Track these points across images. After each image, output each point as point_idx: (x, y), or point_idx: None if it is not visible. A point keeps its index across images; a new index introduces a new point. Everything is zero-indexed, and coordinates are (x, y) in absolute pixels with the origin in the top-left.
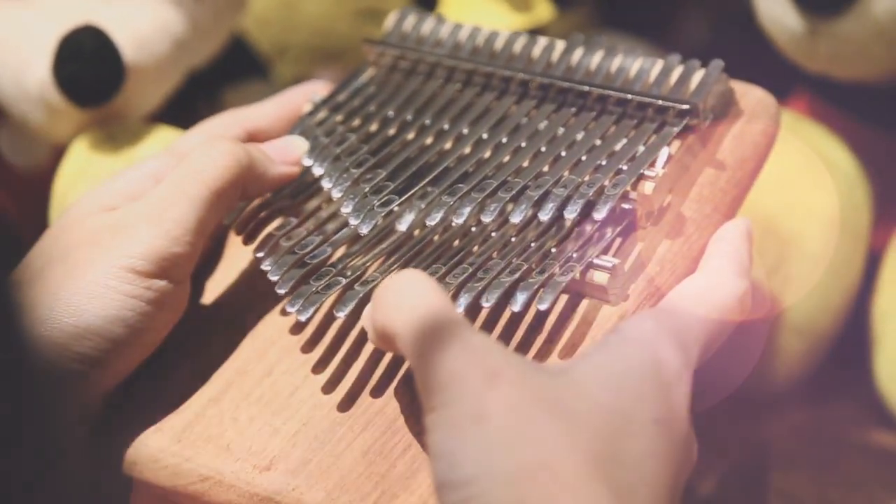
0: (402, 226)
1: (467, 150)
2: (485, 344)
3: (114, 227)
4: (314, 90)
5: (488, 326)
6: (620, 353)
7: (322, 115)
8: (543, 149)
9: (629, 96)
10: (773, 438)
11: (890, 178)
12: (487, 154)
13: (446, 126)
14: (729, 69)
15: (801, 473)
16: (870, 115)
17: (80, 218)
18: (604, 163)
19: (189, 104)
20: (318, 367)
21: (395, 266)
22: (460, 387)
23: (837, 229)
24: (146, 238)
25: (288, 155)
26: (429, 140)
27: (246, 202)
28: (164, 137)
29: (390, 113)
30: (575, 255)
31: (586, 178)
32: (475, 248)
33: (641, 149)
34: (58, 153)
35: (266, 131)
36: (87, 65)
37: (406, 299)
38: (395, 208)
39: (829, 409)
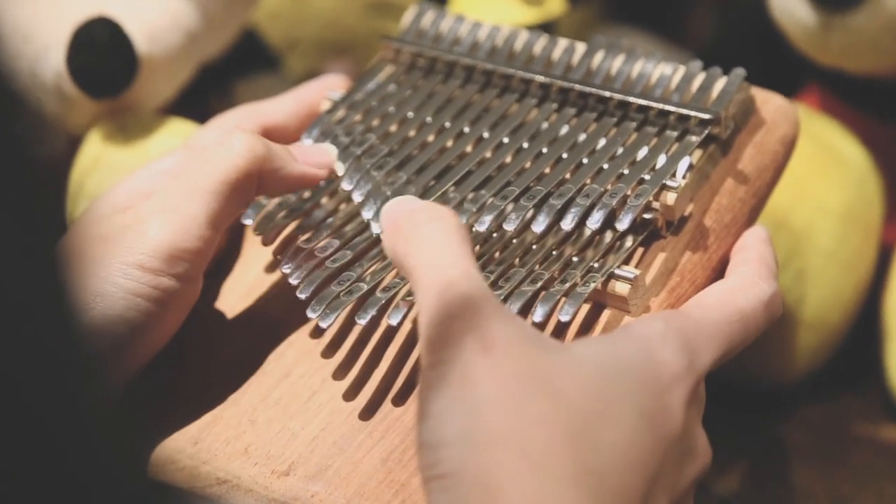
0: None
1: (488, 154)
2: (490, 311)
3: (125, 225)
4: (331, 85)
5: None
6: (621, 347)
7: (341, 113)
8: (565, 155)
9: (651, 104)
10: (784, 432)
11: None
12: (508, 159)
13: (466, 129)
14: (740, 62)
15: (812, 467)
16: (882, 110)
17: (97, 217)
18: (626, 171)
19: (201, 97)
20: (338, 372)
21: None
22: (456, 350)
23: (849, 223)
24: (155, 233)
25: (313, 157)
26: (449, 143)
27: (265, 201)
28: (176, 130)
29: (410, 113)
30: (596, 265)
31: (609, 188)
32: (496, 254)
33: (663, 158)
34: (73, 144)
35: (282, 126)
36: (100, 56)
37: (431, 243)
38: None
39: (839, 404)
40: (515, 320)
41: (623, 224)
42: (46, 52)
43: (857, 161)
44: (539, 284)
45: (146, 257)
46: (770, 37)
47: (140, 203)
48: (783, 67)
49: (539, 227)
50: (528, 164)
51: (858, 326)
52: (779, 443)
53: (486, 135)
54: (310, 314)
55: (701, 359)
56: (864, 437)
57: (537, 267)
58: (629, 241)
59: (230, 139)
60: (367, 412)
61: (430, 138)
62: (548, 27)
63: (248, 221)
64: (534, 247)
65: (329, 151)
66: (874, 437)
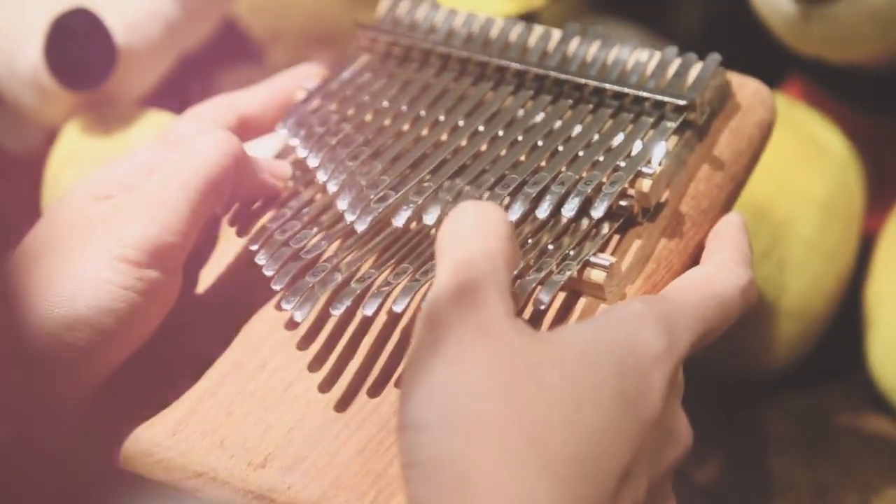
0: (399, 221)
1: (463, 142)
2: (495, 300)
3: (107, 216)
4: (306, 74)
5: None
6: (603, 331)
7: (316, 103)
8: (540, 143)
9: (627, 90)
10: (767, 422)
11: (883, 163)
12: (484, 147)
13: (442, 117)
14: (723, 53)
15: (795, 458)
16: (863, 100)
17: (74, 206)
18: (601, 159)
19: (181, 88)
20: (313, 364)
21: (391, 262)
22: (452, 331)
23: (830, 213)
24: (139, 227)
25: (273, 168)
26: (424, 131)
27: None
28: (155, 121)
29: (385, 103)
30: (572, 253)
31: (584, 175)
32: None
33: (639, 144)
34: (50, 136)
35: (257, 116)
36: (79, 47)
37: (464, 227)
38: (392, 202)
39: (822, 393)
40: (509, 313)
41: (598, 211)
42: (23, 44)
43: (838, 151)
44: (514, 273)
45: (131, 250)
46: (752, 27)
47: (118, 194)
48: (766, 58)
49: (514, 215)
50: (503, 152)
51: (841, 316)
52: (762, 433)
53: (461, 123)
54: (285, 306)
55: (680, 341)
56: (847, 426)
57: None
58: (605, 229)
59: (207, 136)
60: (344, 403)
61: (406, 127)
62: (529, 18)
63: (223, 212)
64: None
65: (285, 168)
66: (857, 426)
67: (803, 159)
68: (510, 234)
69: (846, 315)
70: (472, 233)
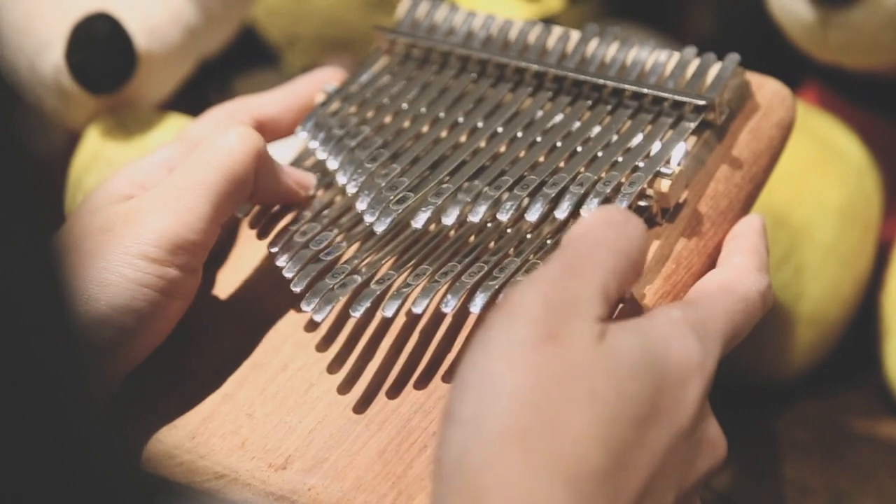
0: (418, 223)
1: (482, 143)
2: (569, 306)
3: (127, 215)
4: (325, 79)
5: None
6: (650, 339)
7: (335, 105)
8: (559, 144)
9: (645, 90)
10: (783, 428)
11: None
12: (503, 148)
13: (461, 119)
14: (739, 59)
15: (811, 463)
16: (881, 106)
17: (94, 209)
18: (620, 159)
19: (200, 93)
20: (334, 365)
21: (411, 263)
22: (523, 328)
23: (848, 219)
24: (159, 225)
25: (298, 176)
26: (443, 133)
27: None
28: (175, 125)
29: (404, 105)
30: None
31: (603, 175)
32: (491, 244)
33: (658, 145)
34: (72, 140)
35: (275, 120)
36: (100, 52)
37: (593, 234)
38: (411, 204)
39: (838, 399)
40: (600, 321)
41: None
42: (46, 48)
43: (855, 157)
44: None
45: (151, 248)
46: (769, 33)
47: (139, 194)
48: (782, 64)
49: (533, 216)
50: (522, 154)
51: (857, 322)
52: (778, 439)
53: (480, 124)
54: (304, 308)
55: (714, 349)
56: (863, 432)
57: (532, 256)
58: None
59: (228, 132)
60: (364, 404)
61: (425, 129)
62: (546, 23)
63: (241, 214)
64: (528, 235)
65: (310, 180)
66: (873, 432)
67: (820, 165)
68: (639, 244)
69: (863, 321)
70: (598, 237)
